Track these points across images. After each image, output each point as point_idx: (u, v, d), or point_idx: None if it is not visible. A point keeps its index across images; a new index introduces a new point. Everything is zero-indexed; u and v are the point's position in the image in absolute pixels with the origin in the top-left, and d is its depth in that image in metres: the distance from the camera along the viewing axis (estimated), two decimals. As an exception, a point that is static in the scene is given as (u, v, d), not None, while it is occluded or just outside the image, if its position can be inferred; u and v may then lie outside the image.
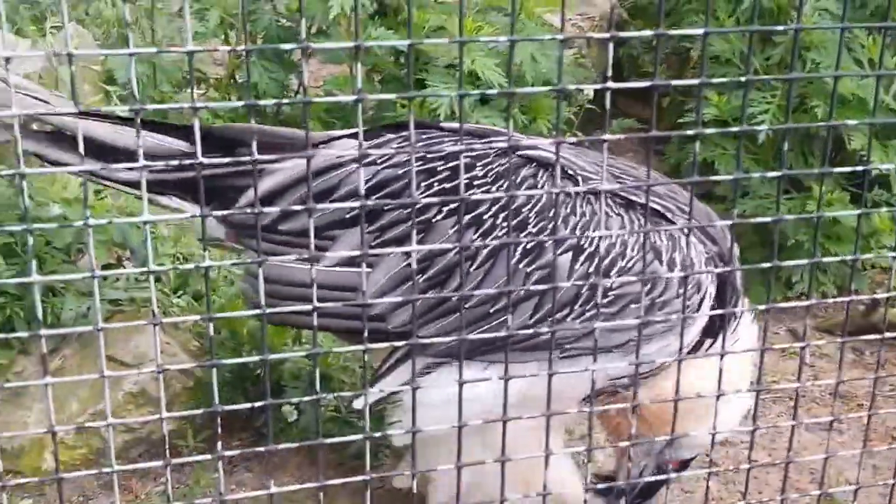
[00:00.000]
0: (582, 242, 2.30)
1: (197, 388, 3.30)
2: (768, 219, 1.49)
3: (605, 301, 2.30)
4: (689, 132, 1.29)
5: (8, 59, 1.29)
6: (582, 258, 2.30)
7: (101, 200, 3.27)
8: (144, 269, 1.38)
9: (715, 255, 2.46)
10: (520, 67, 3.54)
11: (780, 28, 1.14)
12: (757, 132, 3.67)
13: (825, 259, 1.92)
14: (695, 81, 1.30)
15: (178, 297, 3.43)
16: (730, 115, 3.80)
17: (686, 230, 2.35)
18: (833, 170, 1.46)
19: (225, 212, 1.61)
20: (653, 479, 2.62)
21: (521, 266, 2.30)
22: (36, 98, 2.53)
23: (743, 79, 1.31)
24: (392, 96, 1.16)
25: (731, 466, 3.24)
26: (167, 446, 1.46)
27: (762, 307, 1.57)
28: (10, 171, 1.28)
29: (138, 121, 1.34)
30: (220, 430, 3.11)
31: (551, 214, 2.31)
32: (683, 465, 2.66)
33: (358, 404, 2.61)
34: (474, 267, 2.32)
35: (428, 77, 3.82)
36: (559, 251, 2.29)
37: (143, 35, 3.66)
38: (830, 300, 2.60)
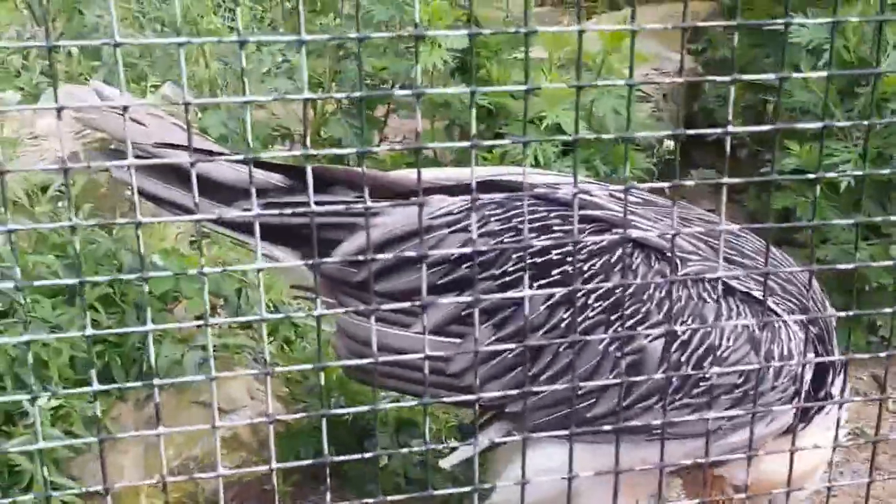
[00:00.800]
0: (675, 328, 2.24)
1: (287, 434, 3.38)
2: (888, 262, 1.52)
3: (697, 391, 2.25)
4: (811, 175, 1.34)
5: (125, 108, 1.39)
6: (675, 345, 2.25)
7: (197, 249, 3.39)
8: (257, 317, 1.43)
9: (814, 338, 2.39)
10: (602, 119, 3.61)
11: None
12: (839, 179, 3.68)
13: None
14: (818, 125, 1.36)
15: (269, 342, 3.53)
16: (811, 164, 3.80)
17: (788, 314, 2.30)
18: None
19: (334, 259, 1.67)
20: None
21: (611, 350, 2.26)
22: (139, 124, 2.55)
23: (866, 123, 1.36)
24: (507, 142, 1.23)
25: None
26: (276, 499, 1.49)
27: (885, 355, 1.55)
28: (127, 220, 1.36)
29: (251, 168, 1.43)
30: (310, 476, 3.19)
31: (645, 297, 2.27)
32: None
33: (445, 464, 2.56)
34: (564, 347, 2.27)
35: (509, 131, 3.91)
36: (651, 337, 2.23)
37: (237, 94, 3.80)
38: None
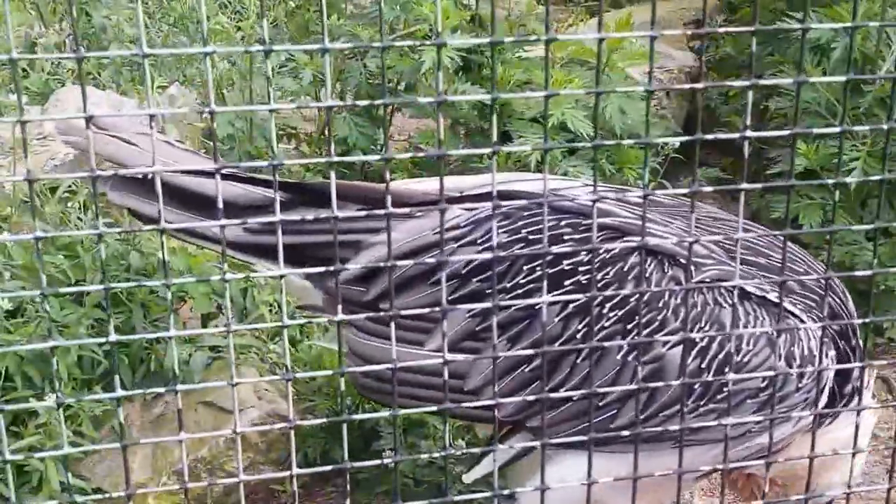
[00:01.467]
0: (693, 335, 2.22)
1: (294, 433, 3.38)
2: None
3: (721, 397, 2.24)
4: (830, 181, 1.34)
5: (152, 118, 1.38)
6: (694, 352, 2.23)
7: (203, 249, 3.39)
8: (279, 323, 1.42)
9: (836, 335, 2.36)
10: (608, 120, 3.61)
11: None
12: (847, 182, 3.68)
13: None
14: (835, 130, 1.36)
15: (275, 343, 3.53)
16: (819, 164, 3.78)
17: (806, 312, 2.28)
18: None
19: (355, 266, 1.65)
20: None
21: (629, 359, 2.23)
22: (126, 143, 2.48)
23: (885, 127, 1.37)
24: (528, 148, 1.23)
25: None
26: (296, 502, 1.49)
27: None
28: (152, 227, 1.36)
29: (276, 176, 1.42)
30: (317, 477, 3.15)
31: (661, 305, 2.25)
32: None
33: (468, 478, 2.51)
34: (581, 358, 2.25)
35: (512, 129, 3.90)
36: (669, 345, 2.21)
37: (241, 94, 3.81)
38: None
